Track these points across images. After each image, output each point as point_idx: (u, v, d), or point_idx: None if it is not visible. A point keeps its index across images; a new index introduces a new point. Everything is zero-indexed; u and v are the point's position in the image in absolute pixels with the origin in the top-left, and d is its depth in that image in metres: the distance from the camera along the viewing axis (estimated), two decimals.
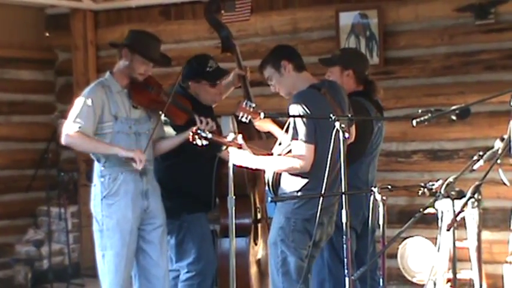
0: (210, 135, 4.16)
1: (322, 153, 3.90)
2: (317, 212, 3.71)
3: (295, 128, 4.05)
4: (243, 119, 4.35)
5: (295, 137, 4.05)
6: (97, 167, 4.56)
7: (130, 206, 4.50)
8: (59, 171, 7.30)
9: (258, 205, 5.14)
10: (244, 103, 4.39)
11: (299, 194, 4.10)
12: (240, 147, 4.17)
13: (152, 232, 4.60)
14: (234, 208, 4.22)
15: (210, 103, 4.89)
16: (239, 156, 4.15)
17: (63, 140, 4.47)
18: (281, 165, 4.14)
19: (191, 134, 4.20)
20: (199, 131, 4.18)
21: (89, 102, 4.42)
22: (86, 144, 4.46)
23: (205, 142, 4.18)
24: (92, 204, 4.59)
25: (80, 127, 4.38)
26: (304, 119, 4.01)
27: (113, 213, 4.49)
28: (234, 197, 4.21)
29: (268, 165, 4.20)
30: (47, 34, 7.97)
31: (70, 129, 4.40)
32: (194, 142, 4.19)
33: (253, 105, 4.38)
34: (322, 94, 4.13)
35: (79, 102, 4.45)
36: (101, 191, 4.51)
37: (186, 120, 4.65)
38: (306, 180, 4.08)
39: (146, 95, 4.59)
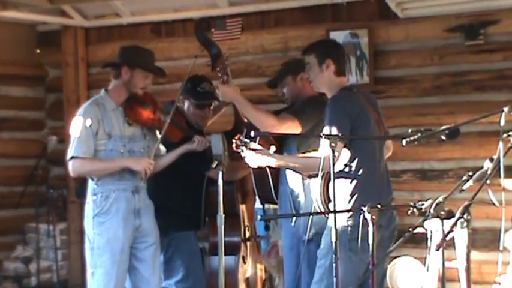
0: (256, 147, 4.10)
1: (366, 155, 3.90)
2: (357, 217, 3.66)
3: (329, 129, 3.98)
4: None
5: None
6: (90, 185, 4.56)
7: (122, 224, 4.49)
8: (48, 188, 7.27)
9: (247, 223, 5.13)
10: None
11: (354, 198, 4.04)
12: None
13: (144, 250, 4.59)
14: (223, 226, 4.22)
15: (194, 125, 4.88)
16: (258, 158, 4.13)
17: (73, 173, 4.49)
18: (308, 162, 4.09)
19: (234, 141, 4.18)
20: (241, 138, 4.16)
21: (87, 123, 4.44)
22: (97, 169, 4.49)
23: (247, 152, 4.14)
24: (84, 221, 4.58)
25: (84, 152, 4.41)
26: (337, 121, 3.96)
27: (104, 231, 4.48)
28: (223, 215, 4.21)
29: (293, 163, 4.17)
30: (38, 51, 7.97)
31: (77, 160, 4.42)
32: (238, 150, 4.15)
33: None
34: (354, 93, 4.18)
35: (77, 127, 4.46)
36: (92, 208, 4.51)
37: (181, 138, 4.66)
38: (353, 184, 4.02)
39: (142, 112, 4.60)
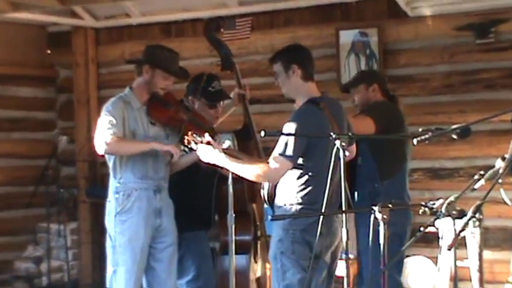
0: (205, 139, 4.17)
1: (321, 167, 3.90)
2: (314, 221, 3.70)
3: (285, 143, 4.02)
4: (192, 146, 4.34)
5: (281, 150, 4.04)
6: (112, 183, 4.56)
7: (143, 223, 4.51)
8: (58, 187, 7.29)
9: (257, 222, 5.13)
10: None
11: (297, 207, 4.07)
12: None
13: (163, 251, 4.61)
14: (234, 226, 4.22)
15: None
16: (208, 154, 4.16)
17: (102, 151, 4.42)
18: (249, 170, 4.11)
19: (186, 138, 4.22)
20: (194, 135, 4.21)
21: (114, 113, 4.44)
22: (126, 147, 4.47)
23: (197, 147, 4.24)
24: (106, 220, 4.59)
25: (113, 132, 4.39)
26: (296, 138, 3.99)
27: (126, 230, 4.49)
28: (234, 215, 4.21)
29: (236, 168, 4.15)
30: (49, 51, 7.99)
31: (106, 138, 4.38)
32: (189, 146, 4.23)
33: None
34: (320, 109, 4.14)
35: (104, 116, 4.47)
36: (115, 207, 4.52)
37: None
38: (304, 193, 4.07)
39: (164, 112, 4.61)
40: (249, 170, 4.11)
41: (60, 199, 7.22)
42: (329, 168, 3.63)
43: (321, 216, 3.78)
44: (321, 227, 3.87)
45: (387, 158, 4.78)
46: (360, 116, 4.77)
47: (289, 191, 4.11)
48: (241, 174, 4.15)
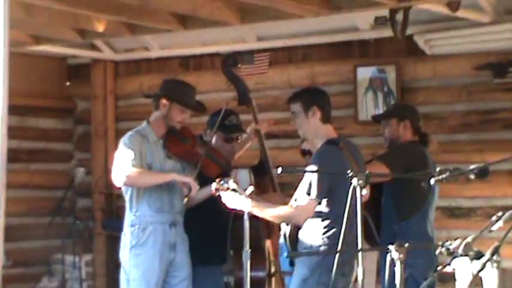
0: (232, 186, 4.17)
1: (344, 206, 3.89)
2: (341, 262, 3.72)
3: (309, 183, 4.07)
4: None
5: (305, 191, 4.07)
6: (128, 216, 4.57)
7: (158, 257, 4.51)
8: (74, 219, 7.31)
9: (272, 258, 5.10)
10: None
11: (323, 248, 4.09)
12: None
13: (177, 285, 4.61)
14: (249, 261, 4.21)
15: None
16: (234, 200, 4.17)
17: (121, 183, 4.45)
18: (276, 214, 4.17)
19: (215, 186, 4.22)
20: (222, 182, 4.20)
21: (131, 147, 4.48)
22: (146, 178, 4.50)
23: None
24: (120, 253, 4.60)
25: (133, 165, 4.42)
26: (320, 177, 4.02)
27: (140, 263, 4.49)
28: (249, 250, 4.20)
29: (263, 212, 4.19)
30: (68, 83, 8.06)
31: (126, 170, 4.42)
32: (217, 194, 4.21)
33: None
34: (339, 149, 4.15)
35: (121, 149, 4.50)
36: (130, 240, 4.53)
37: (218, 173, 4.65)
38: (329, 234, 4.09)
39: (181, 146, 4.63)
40: (276, 214, 4.17)
41: (75, 231, 7.23)
42: (350, 207, 3.62)
43: (343, 256, 3.75)
44: (344, 267, 3.86)
45: (404, 199, 4.76)
46: (375, 163, 4.75)
47: (315, 233, 4.13)
48: (268, 218, 4.21)
